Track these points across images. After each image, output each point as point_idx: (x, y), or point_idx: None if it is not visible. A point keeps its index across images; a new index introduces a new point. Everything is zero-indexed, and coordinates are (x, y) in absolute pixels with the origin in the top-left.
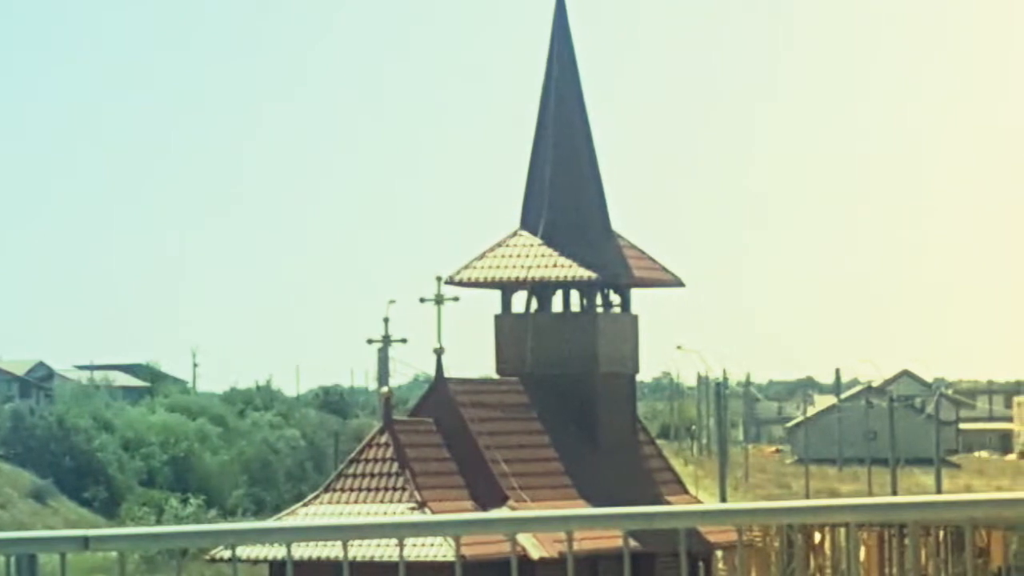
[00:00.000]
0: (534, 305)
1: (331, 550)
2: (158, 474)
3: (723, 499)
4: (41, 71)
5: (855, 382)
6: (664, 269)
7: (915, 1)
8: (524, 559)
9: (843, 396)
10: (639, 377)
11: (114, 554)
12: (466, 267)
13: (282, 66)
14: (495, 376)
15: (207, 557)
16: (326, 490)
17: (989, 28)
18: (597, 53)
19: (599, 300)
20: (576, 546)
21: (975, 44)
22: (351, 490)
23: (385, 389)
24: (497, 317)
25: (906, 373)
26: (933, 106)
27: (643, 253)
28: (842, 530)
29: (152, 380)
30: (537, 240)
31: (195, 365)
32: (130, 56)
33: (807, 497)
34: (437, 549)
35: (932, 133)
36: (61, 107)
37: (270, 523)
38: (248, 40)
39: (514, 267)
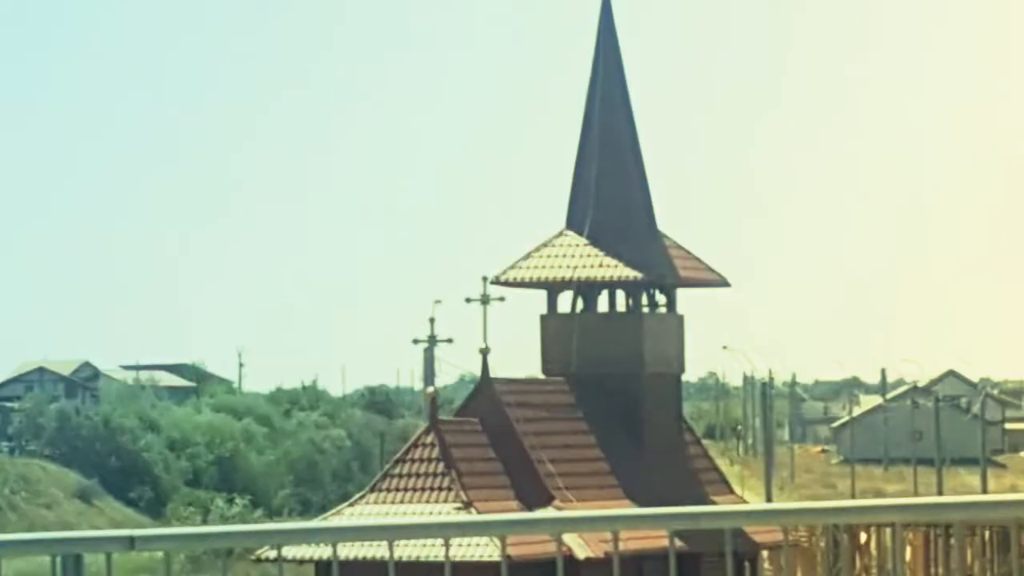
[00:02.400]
0: (580, 305)
1: (377, 550)
2: (204, 474)
3: (769, 499)
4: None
5: (900, 382)
6: (710, 269)
7: (918, 1)
8: (570, 559)
9: (889, 396)
10: (685, 377)
11: (160, 554)
12: (512, 267)
13: (337, 65)
14: (541, 376)
15: (253, 557)
16: (372, 490)
17: (991, 28)
18: (643, 54)
19: (645, 300)
20: (622, 546)
21: (984, 42)
22: (397, 490)
23: (431, 389)
24: (543, 317)
25: (951, 373)
26: (959, 96)
27: (689, 253)
28: (888, 530)
29: (198, 380)
30: (583, 240)
31: (241, 365)
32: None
33: (853, 497)
34: (483, 549)
35: (968, 128)
36: (88, 103)
37: (316, 523)
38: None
39: (560, 267)
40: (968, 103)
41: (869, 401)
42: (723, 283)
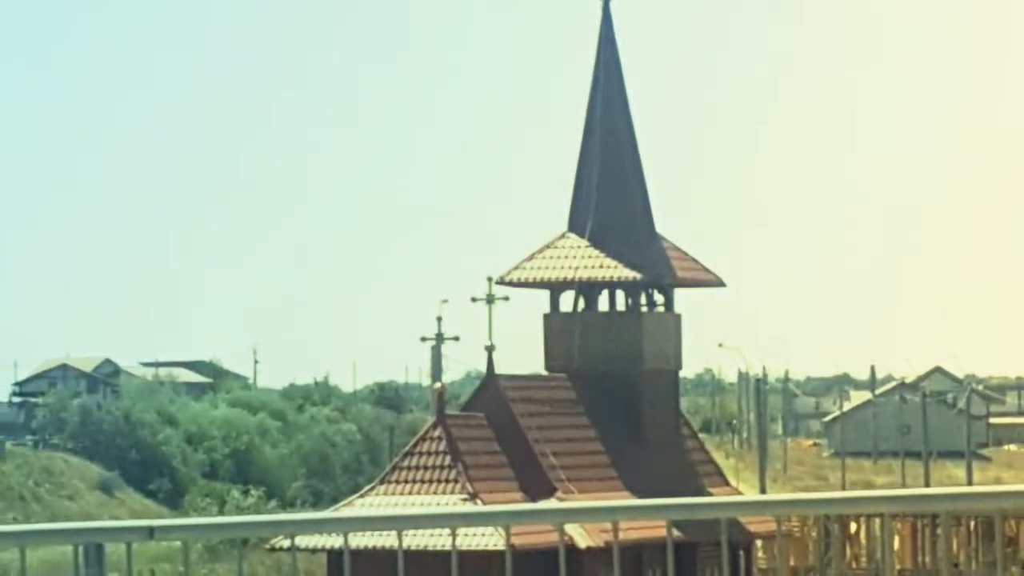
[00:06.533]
0: (581, 304)
1: (386, 539)
2: (220, 466)
3: (763, 490)
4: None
5: (889, 378)
6: (706, 270)
7: (917, 1)
8: (571, 548)
9: (878, 392)
10: (682, 373)
11: (178, 543)
12: (516, 268)
13: (344, 66)
14: (544, 373)
15: (267, 546)
16: (381, 482)
17: (990, 28)
18: (642, 60)
19: (644, 300)
20: (621, 536)
21: (986, 43)
22: (405, 482)
23: (438, 385)
24: (546, 316)
25: (938, 370)
26: (952, 97)
27: (686, 254)
28: (877, 520)
29: (214, 376)
30: (584, 242)
31: (255, 362)
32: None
33: (843, 489)
34: (488, 539)
35: (958, 129)
36: (130, 101)
37: (328, 514)
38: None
39: (562, 268)
40: (966, 104)
41: (859, 396)
42: (719, 283)
